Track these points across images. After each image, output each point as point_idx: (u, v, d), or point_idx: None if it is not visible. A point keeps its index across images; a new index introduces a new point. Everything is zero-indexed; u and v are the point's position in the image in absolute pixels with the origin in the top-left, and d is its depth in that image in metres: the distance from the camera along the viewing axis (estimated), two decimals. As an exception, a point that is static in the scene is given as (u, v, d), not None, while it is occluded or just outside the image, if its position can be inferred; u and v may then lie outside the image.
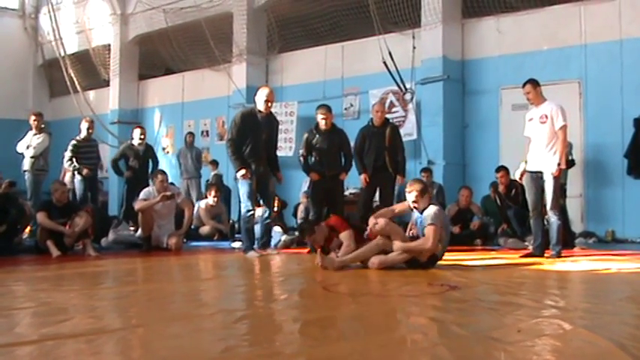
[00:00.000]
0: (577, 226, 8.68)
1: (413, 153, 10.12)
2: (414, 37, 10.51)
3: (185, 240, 8.36)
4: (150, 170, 9.44)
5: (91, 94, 15.10)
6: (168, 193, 7.62)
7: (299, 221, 9.76)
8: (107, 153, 12.70)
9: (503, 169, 8.21)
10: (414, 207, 5.21)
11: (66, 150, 9.04)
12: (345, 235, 5.22)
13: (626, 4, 8.91)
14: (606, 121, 8.95)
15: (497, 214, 8.33)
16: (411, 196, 5.17)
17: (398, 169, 7.68)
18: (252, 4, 12.49)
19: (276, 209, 9.07)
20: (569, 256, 6.31)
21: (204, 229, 9.51)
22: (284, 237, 8.15)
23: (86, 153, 9.09)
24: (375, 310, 3.46)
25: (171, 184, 8.78)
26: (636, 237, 8.45)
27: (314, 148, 7.48)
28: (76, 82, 12.99)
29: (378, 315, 3.29)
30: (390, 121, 8.35)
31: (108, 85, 15.40)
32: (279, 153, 7.33)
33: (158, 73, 15.11)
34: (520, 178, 6.53)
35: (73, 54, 14.85)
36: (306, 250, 7.09)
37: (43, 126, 9.23)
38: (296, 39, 12.32)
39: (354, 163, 7.68)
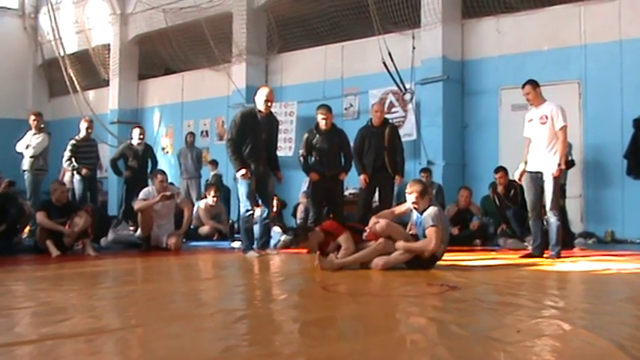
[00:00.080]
0: (576, 227, 8.68)
1: (412, 153, 10.13)
2: (413, 38, 10.51)
3: (184, 240, 8.36)
4: (149, 170, 9.45)
5: (91, 93, 15.10)
6: (168, 193, 7.62)
7: (298, 221, 9.77)
8: (106, 153, 12.69)
9: (501, 170, 8.21)
10: (414, 208, 5.21)
11: (65, 150, 9.04)
12: (343, 239, 5.21)
13: (626, 5, 8.92)
14: (606, 122, 8.96)
15: (497, 215, 8.33)
16: (411, 197, 5.17)
17: (397, 169, 7.68)
18: (251, 4, 12.49)
19: (275, 209, 9.07)
20: (568, 257, 6.31)
21: (204, 229, 9.52)
22: (283, 237, 8.14)
23: (85, 153, 9.09)
24: (375, 310, 3.46)
25: (171, 184, 8.79)
26: (636, 237, 8.45)
27: (314, 148, 7.48)
28: (76, 82, 12.98)
29: (377, 315, 3.29)
30: (390, 121, 8.36)
31: (107, 85, 15.40)
32: (278, 153, 7.33)
33: (158, 73, 15.11)
34: (519, 179, 6.53)
35: (72, 54, 14.85)
36: (305, 251, 7.08)
37: (42, 126, 9.23)
38: (296, 39, 12.32)
39: (353, 164, 7.68)
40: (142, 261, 6.66)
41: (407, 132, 10.21)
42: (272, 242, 7.53)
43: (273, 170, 7.04)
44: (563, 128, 6.19)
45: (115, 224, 8.66)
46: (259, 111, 6.72)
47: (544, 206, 6.44)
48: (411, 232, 5.36)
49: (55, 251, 6.77)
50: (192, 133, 12.40)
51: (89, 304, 3.70)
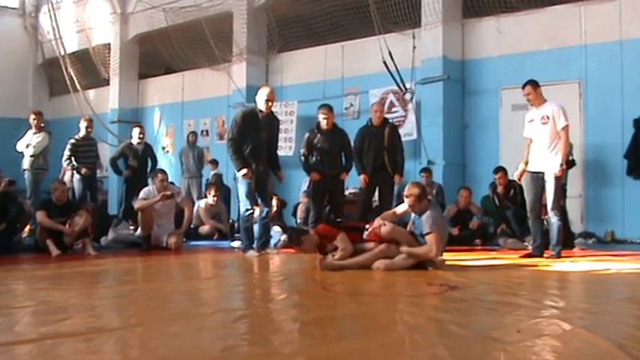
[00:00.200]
0: (576, 227, 8.68)
1: (413, 153, 10.13)
2: (414, 37, 10.51)
3: (185, 239, 8.37)
4: (149, 169, 9.45)
5: (91, 93, 15.09)
6: (168, 193, 7.62)
7: (299, 220, 9.77)
8: (106, 152, 12.70)
9: (501, 170, 8.21)
10: (412, 211, 5.23)
11: (65, 149, 9.04)
12: (339, 239, 5.20)
13: (626, 5, 8.92)
14: (606, 122, 8.96)
15: (497, 215, 8.33)
16: (408, 200, 5.16)
17: (397, 168, 7.68)
18: (252, 4, 12.49)
19: (275, 209, 9.07)
20: (568, 257, 6.30)
21: (204, 229, 9.52)
22: (283, 237, 8.14)
23: (85, 152, 9.09)
24: (375, 309, 3.46)
25: (171, 183, 8.79)
26: (636, 237, 8.45)
27: (315, 148, 7.48)
28: (76, 81, 12.97)
29: (377, 315, 3.29)
30: (390, 120, 8.36)
31: (108, 84, 15.40)
32: (279, 152, 7.33)
33: (158, 73, 15.10)
34: (519, 179, 6.52)
35: (73, 53, 14.85)
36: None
37: (42, 125, 9.22)
38: (296, 39, 12.32)
39: (354, 163, 7.67)
40: (142, 260, 6.66)
41: (407, 132, 10.21)
42: (272, 242, 7.53)
43: (273, 170, 7.04)
44: (566, 128, 6.18)
45: (115, 223, 8.67)
46: (260, 110, 6.71)
47: (545, 206, 6.44)
48: (410, 230, 5.36)
49: (55, 250, 6.77)
50: (193, 133, 12.40)
51: (89, 303, 3.70)
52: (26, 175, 9.00)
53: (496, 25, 10.05)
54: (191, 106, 14.19)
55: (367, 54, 10.88)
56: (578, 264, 5.78)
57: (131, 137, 9.68)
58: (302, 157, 7.63)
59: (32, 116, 9.20)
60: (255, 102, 6.90)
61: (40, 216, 7.01)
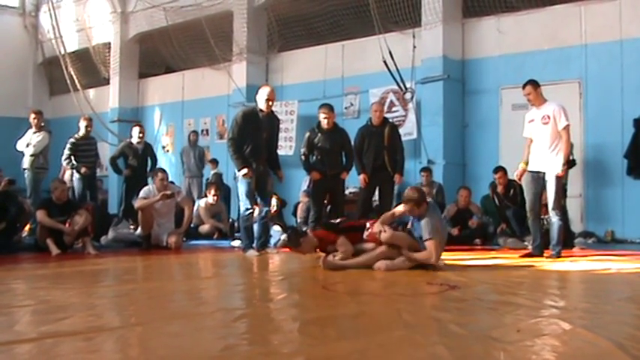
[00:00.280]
0: (576, 226, 8.68)
1: (413, 152, 10.12)
2: (414, 37, 10.50)
3: (185, 238, 8.37)
4: (148, 168, 9.45)
5: (91, 92, 15.08)
6: (169, 192, 7.63)
7: (299, 220, 9.77)
8: (106, 151, 12.70)
9: (501, 170, 8.22)
10: (411, 215, 5.23)
11: (64, 148, 9.04)
12: (339, 243, 5.24)
13: (626, 4, 8.91)
14: (606, 121, 8.95)
15: (497, 214, 8.33)
16: (407, 207, 5.15)
17: (397, 168, 7.68)
18: (252, 3, 12.49)
19: (275, 208, 9.07)
20: (568, 256, 6.30)
21: (204, 228, 9.52)
22: (283, 236, 8.13)
23: (84, 151, 9.10)
24: (375, 309, 3.46)
25: (171, 182, 8.79)
26: (636, 237, 8.45)
27: (316, 147, 7.48)
28: (76, 81, 12.97)
29: (377, 314, 3.29)
30: (389, 120, 8.36)
31: (108, 84, 15.39)
32: (279, 152, 7.33)
33: (158, 72, 15.09)
34: (519, 178, 6.52)
35: (73, 52, 14.83)
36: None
37: (42, 124, 9.23)
38: (296, 38, 12.31)
39: (354, 163, 7.67)
40: (142, 259, 6.66)
41: (407, 131, 10.21)
42: (272, 241, 7.53)
43: (274, 169, 7.05)
44: (567, 128, 6.18)
45: (115, 223, 8.68)
46: (261, 110, 6.71)
47: (545, 205, 6.44)
48: (408, 229, 5.37)
49: (55, 250, 6.78)
50: (195, 132, 12.40)
51: (89, 302, 3.70)
52: (26, 174, 9.01)
53: (496, 25, 10.04)
54: (191, 105, 14.18)
55: (367, 53, 10.87)
56: (578, 264, 5.78)
57: (131, 136, 9.67)
58: (302, 157, 7.63)
59: (32, 115, 9.20)
60: (255, 101, 6.89)
61: (40, 215, 7.01)
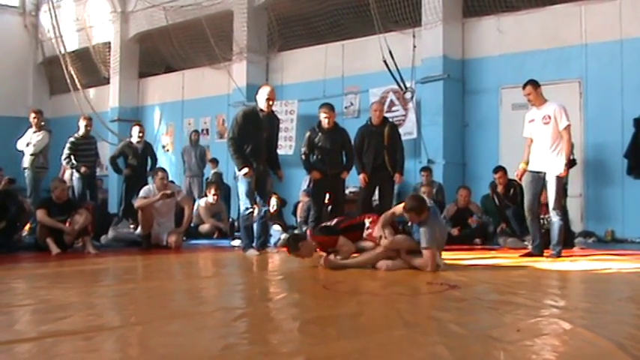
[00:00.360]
0: (576, 226, 8.68)
1: (413, 152, 10.12)
2: (414, 36, 10.50)
3: (185, 238, 8.37)
4: (148, 168, 9.45)
5: (91, 91, 15.08)
6: (169, 191, 7.63)
7: (299, 219, 9.77)
8: (106, 151, 12.70)
9: (501, 170, 8.22)
10: (412, 222, 5.21)
11: (64, 147, 9.04)
12: (340, 244, 5.25)
13: (626, 4, 8.91)
14: (606, 121, 8.95)
15: (497, 214, 8.33)
16: (408, 216, 5.14)
17: (396, 167, 7.68)
18: (252, 3, 12.49)
19: (275, 208, 9.07)
20: (568, 256, 6.31)
21: (204, 227, 9.52)
22: (283, 235, 8.15)
23: (84, 150, 9.10)
24: (375, 308, 3.46)
25: (171, 181, 8.78)
26: (636, 237, 8.45)
27: (316, 147, 7.47)
28: (76, 80, 12.97)
29: (377, 314, 3.29)
30: (389, 119, 8.36)
31: (108, 83, 15.39)
32: (279, 151, 7.33)
33: (158, 71, 15.09)
34: (519, 178, 6.52)
35: (73, 51, 14.83)
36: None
37: (43, 123, 9.23)
38: (296, 37, 12.31)
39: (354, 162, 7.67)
40: (142, 259, 6.66)
41: (407, 131, 10.21)
42: (272, 240, 7.53)
43: (274, 169, 7.05)
44: (568, 127, 6.18)
45: (115, 222, 8.68)
46: (261, 110, 6.71)
47: (545, 205, 6.43)
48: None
49: (55, 249, 6.78)
50: (196, 131, 12.40)
51: (89, 301, 3.70)
52: (26, 173, 9.01)
53: (496, 25, 10.04)
54: (191, 104, 14.18)
55: (367, 53, 10.87)
56: (578, 263, 5.78)
57: (131, 136, 9.67)
58: (303, 156, 7.62)
59: (32, 115, 9.21)
60: (255, 101, 6.89)
61: (40, 214, 7.01)
